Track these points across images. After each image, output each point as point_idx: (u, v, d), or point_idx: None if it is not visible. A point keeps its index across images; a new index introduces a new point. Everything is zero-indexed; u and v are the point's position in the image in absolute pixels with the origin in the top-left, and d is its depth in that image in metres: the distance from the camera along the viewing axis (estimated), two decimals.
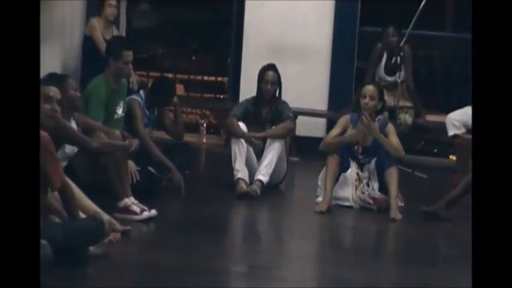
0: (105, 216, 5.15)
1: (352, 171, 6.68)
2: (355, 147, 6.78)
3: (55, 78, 5.69)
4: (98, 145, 5.70)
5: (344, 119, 6.92)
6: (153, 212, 5.93)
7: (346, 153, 6.72)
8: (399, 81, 8.12)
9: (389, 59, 8.37)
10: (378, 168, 6.70)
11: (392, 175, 6.59)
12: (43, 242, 4.21)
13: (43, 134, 4.73)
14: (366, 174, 6.71)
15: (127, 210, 5.84)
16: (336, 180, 6.68)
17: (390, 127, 6.83)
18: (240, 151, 7.06)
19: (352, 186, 6.68)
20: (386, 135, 6.75)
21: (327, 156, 6.69)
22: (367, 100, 6.71)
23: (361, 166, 6.76)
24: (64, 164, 5.76)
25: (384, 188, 6.67)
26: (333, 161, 6.64)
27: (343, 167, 6.69)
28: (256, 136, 7.14)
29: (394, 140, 6.73)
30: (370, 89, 6.76)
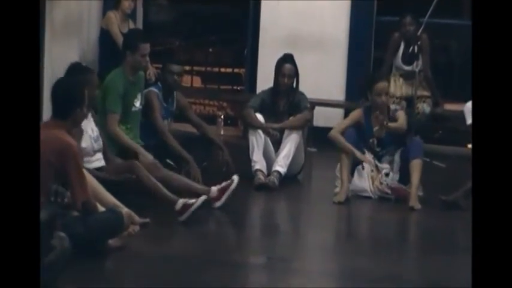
0: (124, 209, 5.16)
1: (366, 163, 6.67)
2: (371, 140, 6.75)
3: (79, 70, 5.70)
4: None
5: (357, 113, 6.84)
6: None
7: (359, 145, 6.70)
8: (417, 70, 8.08)
9: (406, 48, 8.32)
10: (402, 159, 6.68)
11: (417, 166, 6.58)
12: (62, 234, 4.23)
13: (74, 143, 4.71)
14: (385, 165, 6.69)
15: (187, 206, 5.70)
16: (352, 171, 6.67)
17: (400, 113, 6.81)
18: (257, 142, 7.05)
19: (369, 178, 6.67)
20: (396, 120, 6.74)
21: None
22: (384, 98, 6.67)
23: (379, 158, 6.75)
24: None
25: (403, 178, 6.66)
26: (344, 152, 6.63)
27: (358, 160, 6.67)
28: (274, 127, 7.12)
29: (400, 119, 6.71)
30: (385, 85, 6.73)
